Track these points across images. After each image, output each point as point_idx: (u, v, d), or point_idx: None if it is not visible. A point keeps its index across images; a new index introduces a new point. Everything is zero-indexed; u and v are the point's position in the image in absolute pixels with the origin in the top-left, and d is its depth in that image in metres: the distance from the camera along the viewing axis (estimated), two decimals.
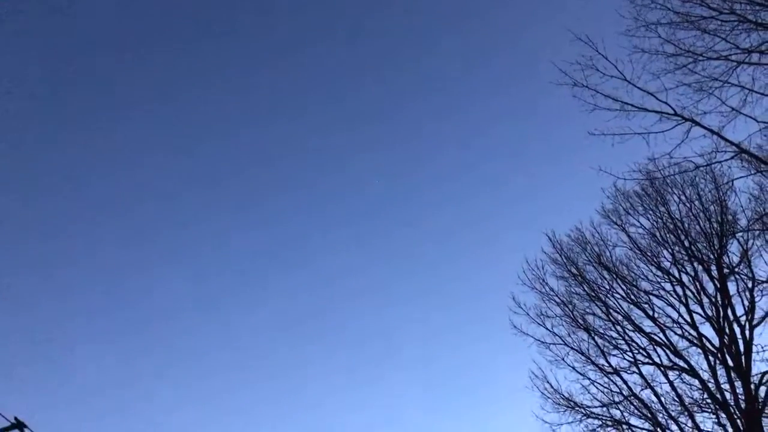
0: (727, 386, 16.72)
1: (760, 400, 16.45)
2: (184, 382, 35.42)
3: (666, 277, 18.29)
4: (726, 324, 17.23)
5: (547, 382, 18.59)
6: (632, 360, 17.99)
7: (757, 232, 16.60)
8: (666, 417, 17.30)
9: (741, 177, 12.54)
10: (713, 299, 17.52)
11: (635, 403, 17.66)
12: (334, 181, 38.76)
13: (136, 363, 35.49)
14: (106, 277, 37.77)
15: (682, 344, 17.73)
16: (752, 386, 16.52)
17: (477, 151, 38.62)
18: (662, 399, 17.38)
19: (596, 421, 18.13)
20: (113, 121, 38.20)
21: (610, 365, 18.15)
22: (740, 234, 17.26)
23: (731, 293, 17.38)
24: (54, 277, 37.23)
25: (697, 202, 17.92)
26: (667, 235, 18.31)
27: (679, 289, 18.01)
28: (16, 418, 6.55)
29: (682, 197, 18.09)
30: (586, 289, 18.73)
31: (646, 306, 18.25)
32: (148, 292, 37.48)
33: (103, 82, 37.69)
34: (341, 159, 39.23)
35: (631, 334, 18.19)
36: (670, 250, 18.29)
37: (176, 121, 39.09)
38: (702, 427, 16.97)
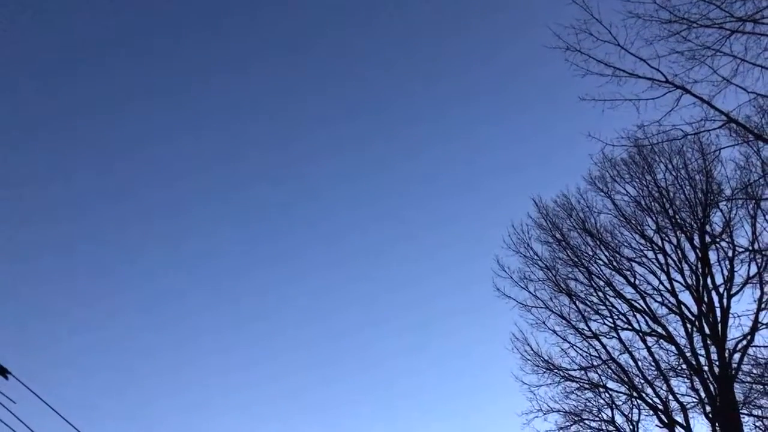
0: (702, 352, 17.12)
1: (733, 366, 16.87)
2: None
3: (649, 245, 18.51)
4: (705, 292, 17.53)
5: (528, 344, 18.95)
6: (612, 325, 18.33)
7: (741, 201, 16.76)
8: (642, 381, 17.73)
9: (728, 146, 12.57)
10: (694, 268, 17.78)
11: (613, 367, 18.07)
12: (321, 171, 38.46)
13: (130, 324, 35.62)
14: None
15: (661, 311, 18.10)
16: (727, 353, 16.91)
17: (466, 116, 38.32)
18: (639, 364, 17.81)
19: (574, 384, 18.59)
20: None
21: (590, 330, 18.51)
22: (724, 204, 17.43)
23: (712, 262, 17.67)
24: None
25: (683, 171, 18.04)
26: (652, 204, 18.47)
27: (661, 257, 18.25)
28: None
29: (669, 166, 18.20)
30: (569, 254, 18.96)
31: (628, 273, 18.53)
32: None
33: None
34: (333, 150, 38.84)
35: (612, 300, 18.52)
36: (654, 218, 18.47)
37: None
38: (676, 392, 17.46)
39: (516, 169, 35.86)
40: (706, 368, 16.96)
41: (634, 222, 18.70)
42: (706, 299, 17.50)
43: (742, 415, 16.65)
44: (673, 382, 17.64)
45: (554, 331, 18.79)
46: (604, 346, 18.23)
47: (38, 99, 36.68)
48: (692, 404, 17.21)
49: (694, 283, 17.75)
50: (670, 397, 17.33)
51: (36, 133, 36.79)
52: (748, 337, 16.96)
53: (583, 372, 18.49)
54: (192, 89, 38.31)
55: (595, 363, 18.35)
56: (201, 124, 38.69)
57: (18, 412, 7.02)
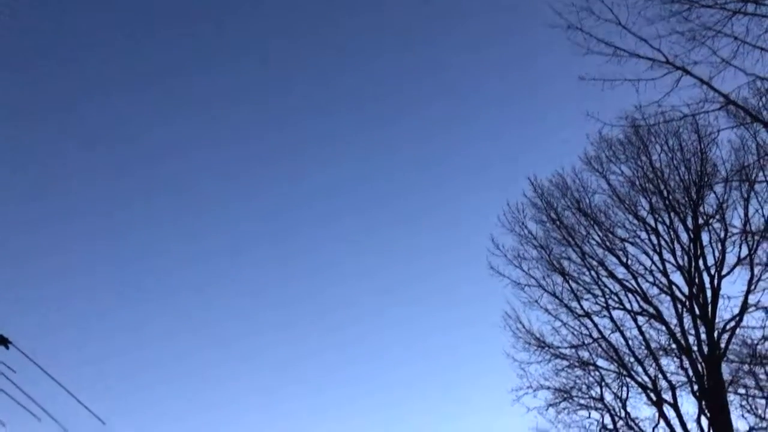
0: (692, 332, 17.34)
1: (721, 346, 17.12)
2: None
3: (642, 225, 18.62)
4: (696, 273, 17.71)
5: (520, 322, 19.11)
6: (604, 305, 18.47)
7: (735, 183, 16.89)
8: (632, 360, 17.96)
9: (726, 128, 12.58)
10: (686, 248, 17.94)
11: (603, 346, 18.27)
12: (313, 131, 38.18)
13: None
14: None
15: (652, 291, 18.26)
16: (716, 333, 17.15)
17: (464, 98, 38.16)
18: (630, 343, 18.01)
19: (564, 362, 18.78)
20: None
21: (582, 308, 18.65)
22: (718, 185, 17.57)
23: (704, 243, 17.83)
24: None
25: (678, 153, 18.12)
26: (647, 184, 18.56)
27: (653, 238, 18.39)
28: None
29: (665, 147, 18.27)
30: (563, 233, 19.03)
31: (621, 253, 18.66)
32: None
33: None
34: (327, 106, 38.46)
35: (605, 279, 18.65)
36: (648, 198, 18.58)
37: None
38: (665, 370, 17.70)
39: (513, 147, 35.86)
40: (695, 348, 17.21)
41: (628, 202, 18.81)
42: (697, 280, 17.69)
43: (728, 394, 16.94)
44: (663, 361, 17.92)
45: (546, 310, 18.96)
46: (595, 325, 18.42)
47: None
48: (681, 383, 17.49)
49: (686, 264, 17.92)
50: (660, 375, 17.60)
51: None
52: (737, 318, 17.20)
53: (573, 350, 18.70)
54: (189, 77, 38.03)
55: (586, 341, 18.55)
56: (201, 112, 38.45)
57: (19, 382, 7.05)
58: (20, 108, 35.29)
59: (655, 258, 18.24)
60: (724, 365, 17.18)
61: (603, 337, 18.27)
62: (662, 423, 17.23)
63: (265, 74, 38.27)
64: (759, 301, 17.17)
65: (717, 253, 17.71)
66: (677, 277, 17.98)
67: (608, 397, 18.21)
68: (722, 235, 17.69)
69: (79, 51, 37.26)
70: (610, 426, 17.99)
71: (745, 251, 17.49)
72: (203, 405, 32.55)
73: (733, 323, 17.22)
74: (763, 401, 17.15)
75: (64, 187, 37.34)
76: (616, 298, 18.39)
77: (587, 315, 18.54)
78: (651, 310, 18.01)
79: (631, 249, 18.60)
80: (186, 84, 38.56)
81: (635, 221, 18.69)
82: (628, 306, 18.26)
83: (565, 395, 18.53)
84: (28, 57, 36.22)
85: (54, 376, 7.09)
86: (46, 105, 37.34)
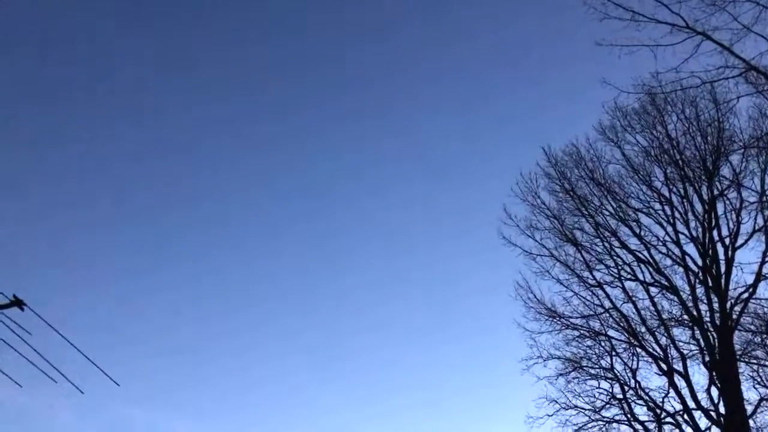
0: (704, 300, 17.27)
1: (733, 317, 17.04)
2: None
3: (656, 196, 18.46)
4: (710, 245, 17.55)
5: (531, 292, 19.09)
6: (616, 275, 18.39)
7: (752, 153, 16.64)
8: (643, 330, 17.92)
9: (747, 95, 12.34)
10: (700, 219, 17.76)
11: (615, 316, 18.23)
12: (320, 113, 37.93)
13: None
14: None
15: (665, 262, 18.16)
16: (728, 304, 17.06)
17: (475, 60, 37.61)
18: (642, 313, 17.94)
19: (575, 332, 18.79)
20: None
21: (594, 279, 18.59)
22: (735, 155, 17.32)
23: (719, 214, 17.63)
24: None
25: (695, 122, 17.83)
26: (662, 155, 18.33)
27: (667, 209, 18.23)
28: (14, 296, 6.57)
29: (681, 116, 17.99)
30: (576, 204, 18.88)
31: (634, 224, 18.52)
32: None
33: None
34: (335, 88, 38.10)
35: (617, 250, 18.53)
36: (663, 169, 18.37)
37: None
38: (676, 341, 17.67)
39: (526, 116, 35.45)
40: (707, 319, 17.14)
41: (642, 173, 18.61)
42: (710, 252, 17.54)
43: (739, 365, 16.90)
44: (674, 331, 17.88)
45: (558, 280, 18.90)
46: (607, 296, 18.36)
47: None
48: (692, 353, 17.46)
49: (700, 235, 17.76)
50: (671, 346, 17.56)
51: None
52: (751, 290, 17.10)
53: (584, 320, 18.69)
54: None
55: (597, 312, 18.51)
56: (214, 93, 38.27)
57: (34, 344, 7.13)
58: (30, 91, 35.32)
59: (669, 229, 18.12)
60: (735, 336, 17.13)
61: (615, 307, 18.23)
62: (672, 393, 17.28)
63: (266, 63, 38.01)
64: None
65: (732, 224, 17.57)
66: (691, 248, 17.88)
67: (618, 366, 18.27)
68: (738, 205, 17.50)
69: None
70: (620, 395, 18.06)
71: (761, 222, 17.33)
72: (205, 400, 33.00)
73: (746, 294, 17.14)
74: None
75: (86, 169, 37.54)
76: (628, 269, 18.31)
77: (599, 285, 18.49)
78: (663, 281, 17.93)
79: (644, 220, 18.50)
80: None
81: (649, 192, 18.54)
82: (640, 277, 18.18)
83: (576, 365, 18.61)
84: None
85: (68, 338, 7.15)
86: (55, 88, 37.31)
